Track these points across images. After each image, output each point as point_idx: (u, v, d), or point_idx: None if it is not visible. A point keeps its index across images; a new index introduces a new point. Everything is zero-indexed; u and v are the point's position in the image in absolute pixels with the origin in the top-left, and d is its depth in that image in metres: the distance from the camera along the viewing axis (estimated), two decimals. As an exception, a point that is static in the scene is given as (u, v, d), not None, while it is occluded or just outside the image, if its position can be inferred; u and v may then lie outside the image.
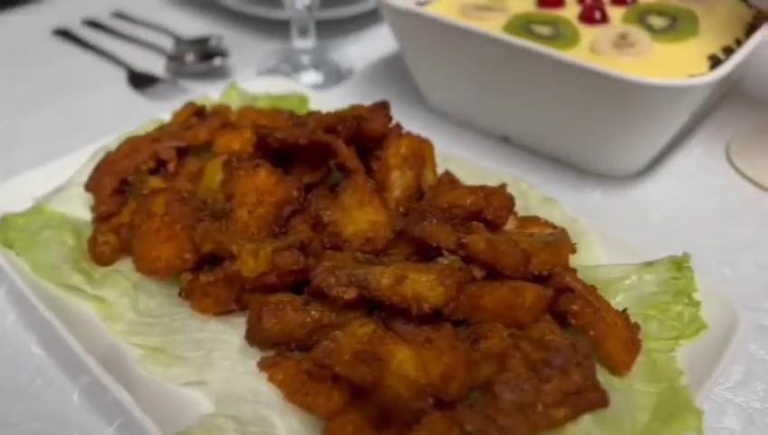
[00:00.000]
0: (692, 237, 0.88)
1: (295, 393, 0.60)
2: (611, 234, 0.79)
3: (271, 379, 0.63)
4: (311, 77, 1.23)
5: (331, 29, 1.36)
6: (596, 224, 0.80)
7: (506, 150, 1.04)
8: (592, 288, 0.66)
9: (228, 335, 0.67)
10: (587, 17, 1.02)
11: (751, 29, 1.03)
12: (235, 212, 0.72)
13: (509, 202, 0.76)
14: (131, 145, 0.82)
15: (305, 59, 1.23)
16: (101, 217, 0.79)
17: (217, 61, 1.21)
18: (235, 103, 1.00)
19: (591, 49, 0.96)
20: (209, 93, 1.04)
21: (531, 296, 0.62)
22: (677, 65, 0.92)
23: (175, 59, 1.26)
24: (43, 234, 0.77)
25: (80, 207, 0.83)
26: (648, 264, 0.74)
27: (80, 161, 0.90)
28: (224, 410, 0.61)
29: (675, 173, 1.01)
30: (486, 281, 0.65)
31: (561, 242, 0.71)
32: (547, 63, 0.88)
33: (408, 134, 0.81)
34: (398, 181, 0.79)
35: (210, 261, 0.71)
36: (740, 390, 0.72)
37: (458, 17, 1.04)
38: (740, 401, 0.70)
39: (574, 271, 0.68)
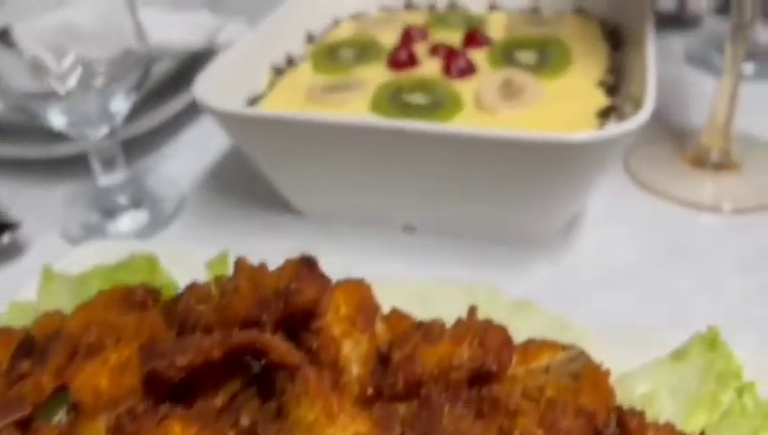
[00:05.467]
0: (667, 277, 0.79)
1: None
2: (609, 327, 0.65)
3: None
4: (132, 220, 0.95)
5: (134, 149, 1.08)
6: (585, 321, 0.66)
7: (414, 243, 0.87)
8: (670, 428, 0.51)
9: None
10: (452, 71, 0.89)
11: (610, 40, 0.97)
12: (156, 503, 0.46)
13: (506, 337, 0.58)
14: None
15: (121, 198, 0.95)
16: None
17: (5, 238, 0.88)
18: (60, 300, 0.72)
19: (479, 106, 0.82)
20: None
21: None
22: (577, 101, 0.82)
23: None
24: None
25: None
26: (677, 355, 0.61)
27: None
28: None
29: (592, 214, 0.91)
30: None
31: (592, 369, 0.55)
32: (452, 141, 0.73)
33: (339, 284, 0.60)
34: (353, 354, 0.58)
35: None
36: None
37: (309, 106, 0.86)
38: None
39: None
